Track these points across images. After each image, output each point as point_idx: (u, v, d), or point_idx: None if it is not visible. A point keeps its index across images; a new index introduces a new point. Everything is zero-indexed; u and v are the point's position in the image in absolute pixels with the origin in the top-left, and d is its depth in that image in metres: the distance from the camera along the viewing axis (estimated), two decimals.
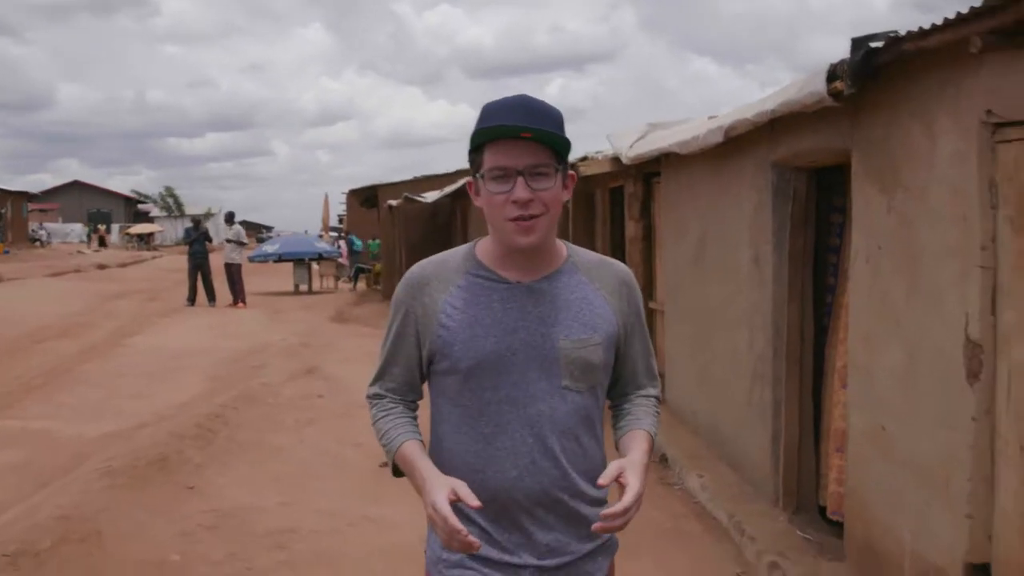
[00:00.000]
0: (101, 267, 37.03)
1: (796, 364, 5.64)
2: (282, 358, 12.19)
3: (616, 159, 8.94)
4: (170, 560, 5.13)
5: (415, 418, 2.27)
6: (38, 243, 54.75)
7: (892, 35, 3.82)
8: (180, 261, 38.39)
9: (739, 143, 5.80)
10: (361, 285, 27.82)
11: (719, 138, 5.70)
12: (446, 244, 20.57)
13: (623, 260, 9.68)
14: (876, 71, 4.10)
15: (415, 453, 2.13)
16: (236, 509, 6.07)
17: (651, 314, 9.31)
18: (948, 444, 3.80)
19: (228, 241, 20.80)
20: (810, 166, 5.44)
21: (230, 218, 21.38)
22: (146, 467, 6.58)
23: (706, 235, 6.94)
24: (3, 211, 48.56)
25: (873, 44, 3.92)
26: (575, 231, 11.95)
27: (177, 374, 10.98)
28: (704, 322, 7.14)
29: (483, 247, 2.21)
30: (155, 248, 62.52)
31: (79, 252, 48.80)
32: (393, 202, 21.04)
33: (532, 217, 2.04)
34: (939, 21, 3.47)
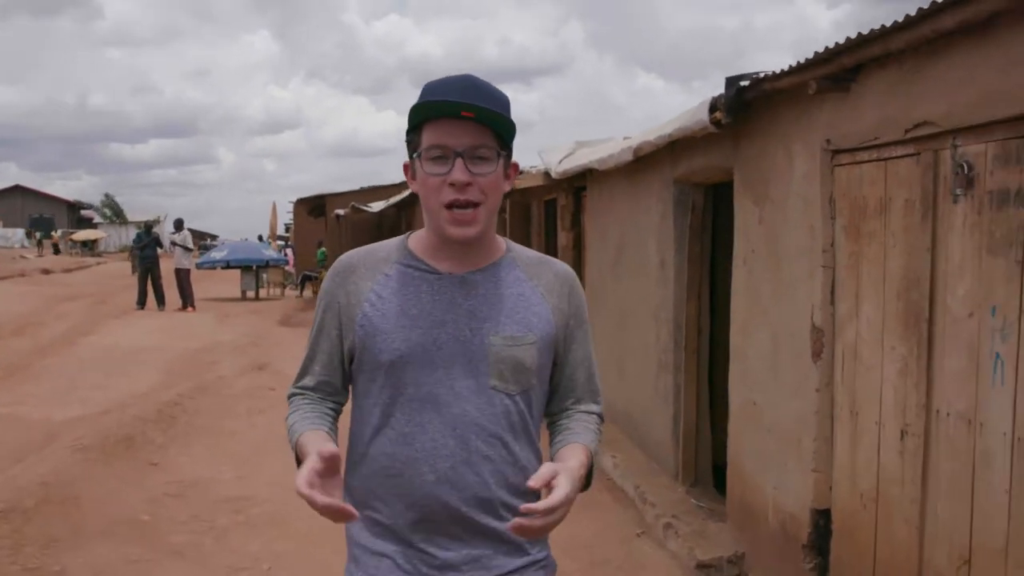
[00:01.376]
0: (46, 272, 37.03)
1: (694, 354, 6.48)
2: (233, 355, 12.86)
3: (548, 173, 9.74)
4: (141, 519, 5.83)
5: (327, 413, 2.10)
6: None
7: (755, 76, 4.66)
8: (125, 267, 38.57)
9: (647, 162, 6.63)
10: (307, 292, 28.35)
11: (629, 157, 6.53)
12: None
13: None
14: (749, 104, 4.95)
15: (307, 441, 1.93)
16: (197, 481, 6.76)
17: None
18: (799, 411, 4.64)
19: (175, 244, 21.29)
20: (705, 182, 6.29)
21: (179, 225, 21.87)
22: (114, 445, 7.25)
23: (623, 242, 7.77)
24: None
25: (742, 83, 4.77)
26: (512, 240, 12.74)
27: (134, 369, 11.57)
28: (622, 320, 7.96)
29: (417, 237, 2.08)
30: (99, 254, 62.23)
31: (22, 257, 48.54)
32: (341, 211, 21.73)
33: (469, 204, 1.91)
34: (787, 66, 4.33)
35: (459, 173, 1.88)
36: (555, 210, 11.21)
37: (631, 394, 7.70)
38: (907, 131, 3.73)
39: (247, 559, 5.29)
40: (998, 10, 3.07)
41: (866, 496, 4.17)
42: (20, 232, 68.76)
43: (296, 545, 5.54)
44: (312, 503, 1.72)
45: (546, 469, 1.83)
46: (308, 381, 2.12)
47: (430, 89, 1.93)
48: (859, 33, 3.70)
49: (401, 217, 20.05)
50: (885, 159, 3.96)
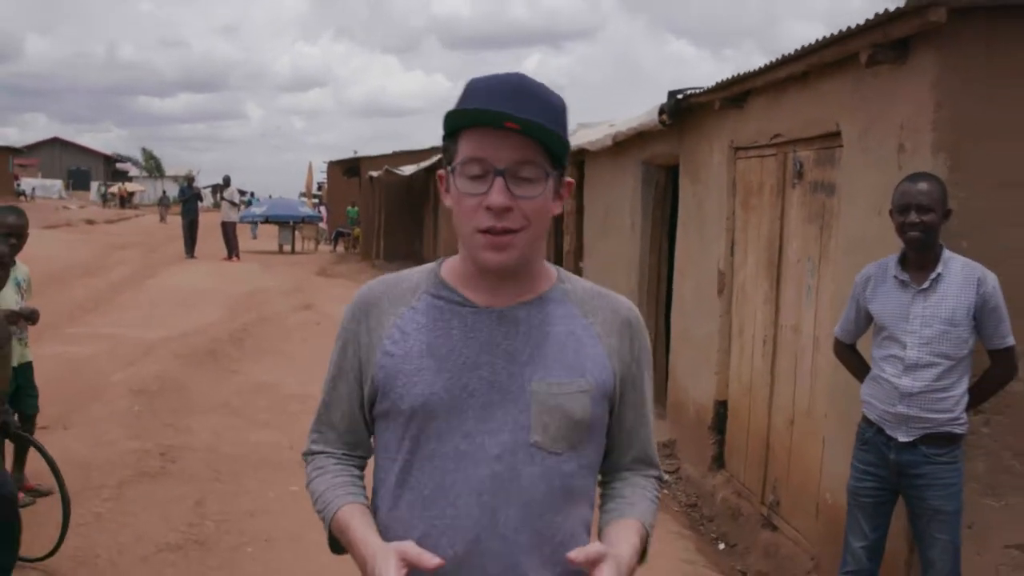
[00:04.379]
0: (90, 222, 39.12)
1: (653, 295, 8.38)
2: (282, 297, 14.93)
3: None
4: (233, 403, 7.85)
5: (359, 476, 1.83)
6: (23, 197, 56.50)
7: (686, 91, 6.52)
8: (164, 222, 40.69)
9: (623, 146, 8.49)
10: (340, 248, 30.40)
11: (609, 142, 8.39)
12: (419, 213, 23.24)
13: (561, 230, 12.40)
14: (688, 110, 6.80)
15: (351, 517, 1.69)
16: (268, 383, 8.77)
17: (578, 272, 12.03)
18: (709, 332, 6.54)
19: (223, 199, 23.35)
20: (665, 164, 8.15)
21: (227, 181, 23.91)
22: (202, 356, 9.33)
23: (608, 208, 9.65)
24: None
25: (679, 95, 6.62)
26: None
27: (199, 305, 13.62)
28: (605, 269, 9.84)
29: (450, 265, 1.79)
30: (135, 207, 64.48)
31: (64, 208, 50.72)
32: (374, 173, 23.62)
33: (508, 232, 1.61)
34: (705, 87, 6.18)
35: (498, 195, 1.58)
36: None
37: None
38: (771, 139, 5.59)
39: None
40: (808, 69, 4.92)
41: (744, 387, 6.09)
42: (58, 183, 70.91)
43: None
44: None
45: (595, 549, 1.56)
46: (328, 434, 1.83)
47: (473, 91, 1.64)
48: (737, 73, 5.58)
49: (429, 181, 21.95)
50: (761, 156, 5.83)
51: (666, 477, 1.81)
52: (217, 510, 5.38)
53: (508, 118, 1.55)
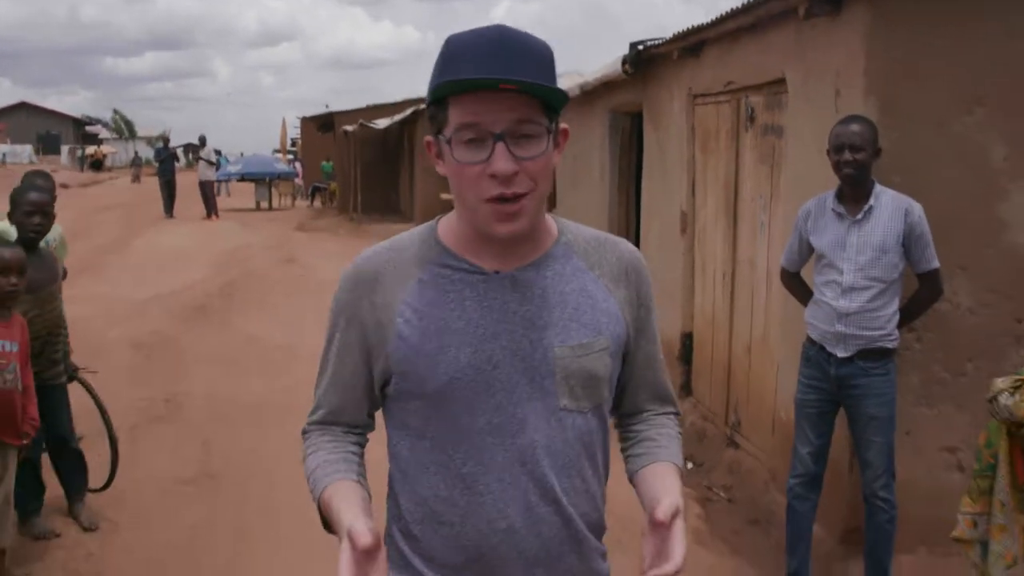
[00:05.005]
0: (64, 186, 38.93)
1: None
2: (264, 253, 15.31)
3: None
4: (225, 355, 8.24)
5: (355, 453, 1.76)
6: None
7: (646, 43, 6.88)
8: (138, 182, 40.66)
9: (590, 96, 8.85)
10: (317, 203, 30.62)
11: (577, 92, 8.74)
12: (395, 166, 23.50)
13: None
14: (649, 60, 7.16)
15: (332, 496, 1.61)
16: (256, 336, 9.17)
17: None
18: (673, 270, 6.97)
19: (200, 159, 23.55)
20: (630, 112, 8.53)
21: (203, 141, 24.08)
22: (192, 311, 9.71)
23: (577, 157, 10.02)
24: None
25: (640, 46, 6.98)
26: None
27: (185, 264, 13.96)
28: (576, 217, 10.15)
29: (447, 228, 1.71)
30: (108, 170, 64.05)
31: None
32: (348, 127, 23.80)
33: (517, 197, 1.54)
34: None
35: (502, 162, 1.52)
36: None
37: None
38: (725, 86, 5.98)
39: (304, 378, 7.67)
40: (755, 21, 5.30)
41: (707, 319, 6.53)
42: (28, 148, 70.20)
43: None
44: None
45: (670, 505, 1.53)
46: (326, 414, 1.77)
47: (455, 54, 1.54)
48: (692, 25, 5.95)
49: (404, 133, 22.21)
50: (717, 103, 6.21)
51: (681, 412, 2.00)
52: (222, 448, 5.84)
53: (504, 81, 1.47)
